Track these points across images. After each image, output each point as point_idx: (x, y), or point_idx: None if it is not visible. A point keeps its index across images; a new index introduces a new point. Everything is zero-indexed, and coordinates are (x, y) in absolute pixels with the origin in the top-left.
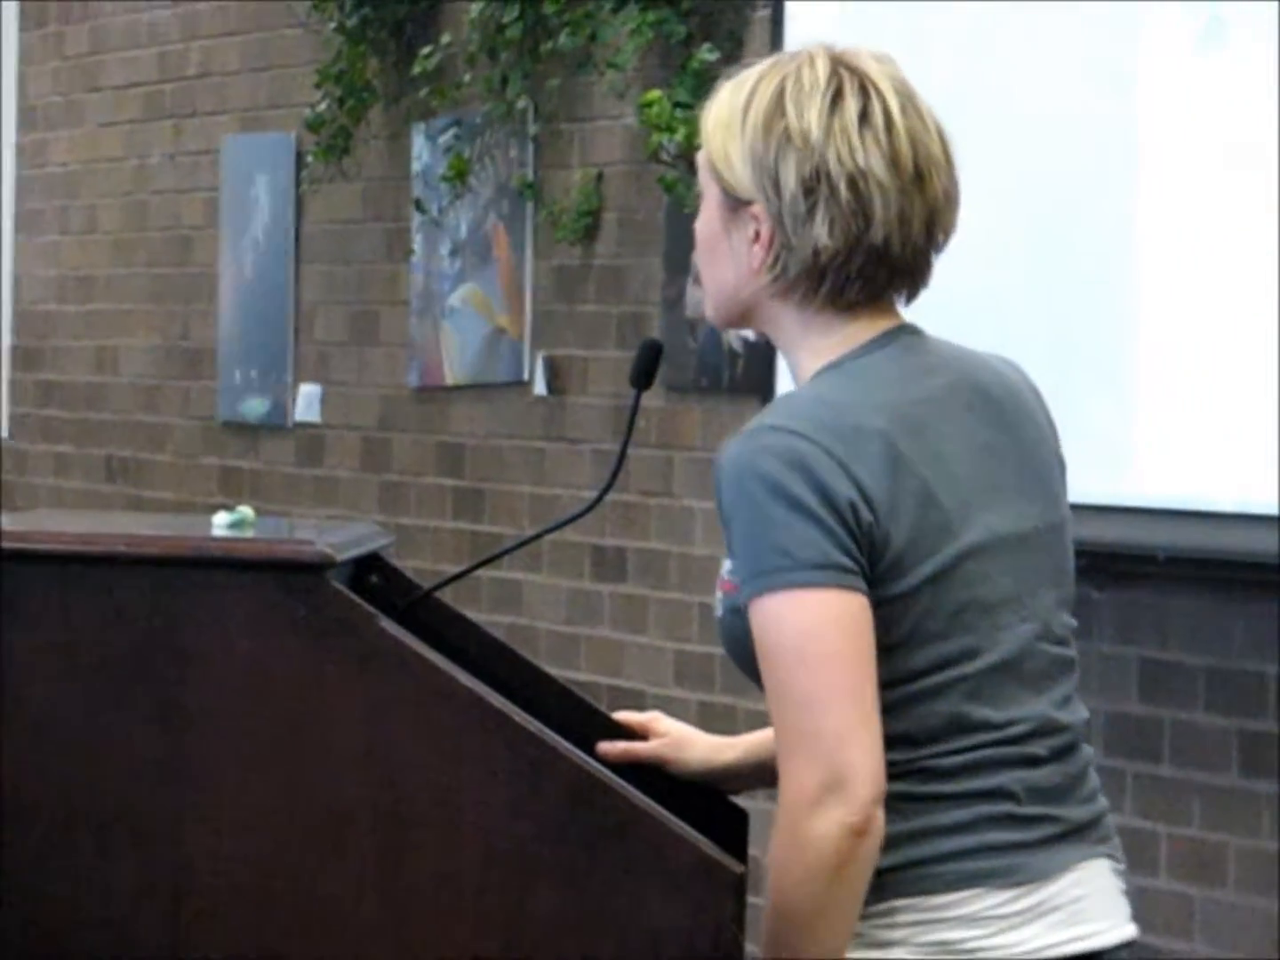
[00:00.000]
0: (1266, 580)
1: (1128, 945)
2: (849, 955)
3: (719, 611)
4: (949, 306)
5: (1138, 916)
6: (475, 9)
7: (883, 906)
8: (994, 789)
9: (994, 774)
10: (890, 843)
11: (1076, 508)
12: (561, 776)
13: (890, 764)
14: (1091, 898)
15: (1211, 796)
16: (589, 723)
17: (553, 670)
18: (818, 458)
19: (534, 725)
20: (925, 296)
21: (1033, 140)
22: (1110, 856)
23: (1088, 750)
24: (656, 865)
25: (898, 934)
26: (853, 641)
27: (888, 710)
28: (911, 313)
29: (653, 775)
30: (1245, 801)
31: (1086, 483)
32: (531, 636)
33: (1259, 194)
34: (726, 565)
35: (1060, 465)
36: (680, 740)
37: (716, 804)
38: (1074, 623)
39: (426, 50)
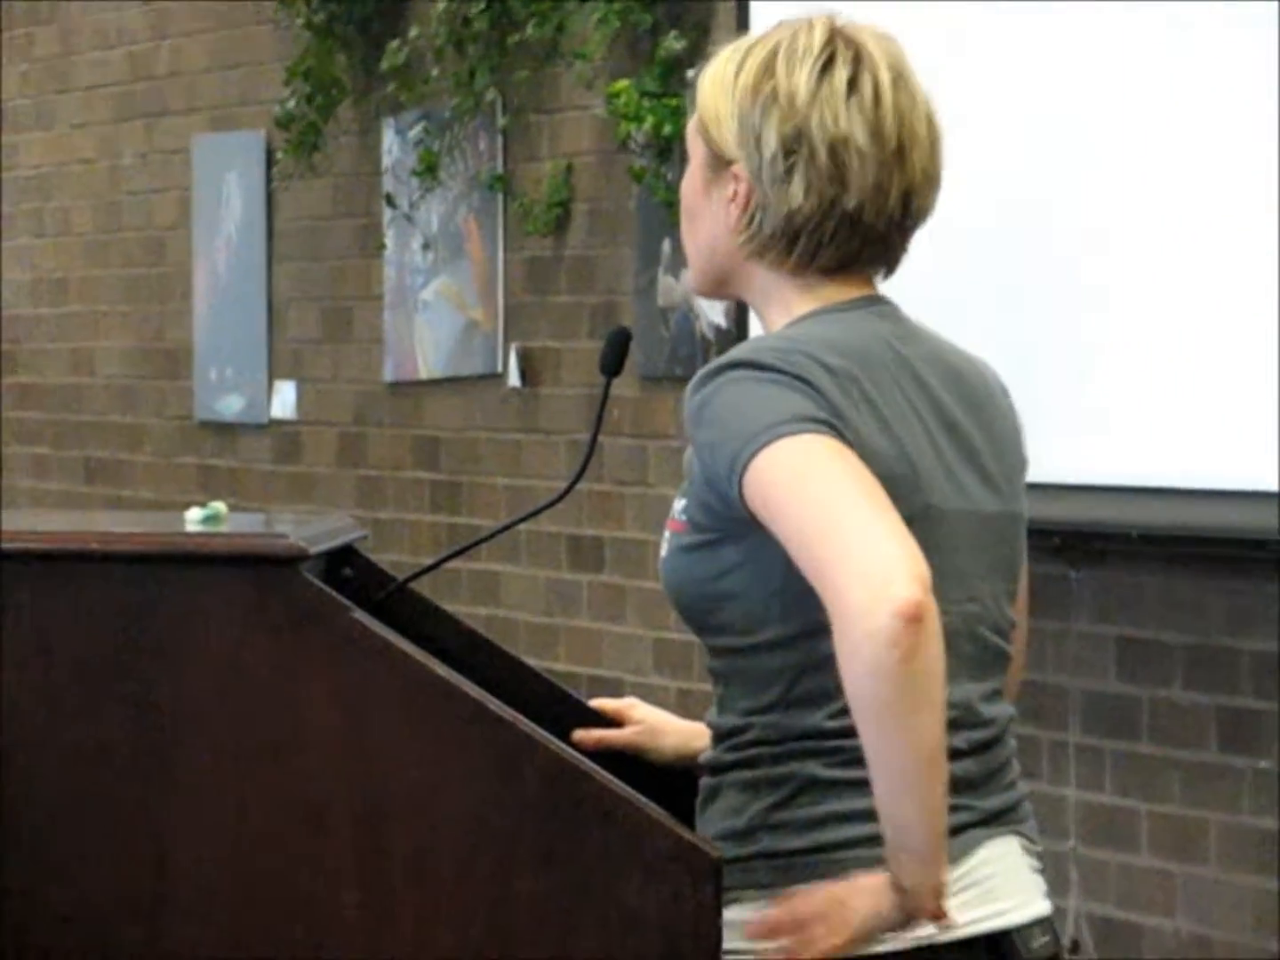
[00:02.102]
0: (1242, 556)
1: (1041, 921)
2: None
3: (664, 552)
4: (923, 290)
5: (1118, 897)
6: (441, 3)
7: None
8: None
9: None
10: (801, 826)
11: (1051, 487)
12: (539, 765)
13: (806, 736)
14: (1001, 876)
15: (1191, 773)
16: (567, 711)
17: (532, 661)
18: (788, 368)
19: (510, 714)
20: (897, 280)
21: (999, 125)
22: (1021, 834)
23: (1011, 744)
24: (635, 851)
25: None
26: (851, 462)
27: (818, 665)
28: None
29: (630, 759)
30: (1225, 777)
31: (1059, 462)
32: (511, 627)
33: (1221, 178)
34: (678, 506)
35: (1022, 461)
36: (655, 727)
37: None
38: (1015, 618)
39: (394, 44)
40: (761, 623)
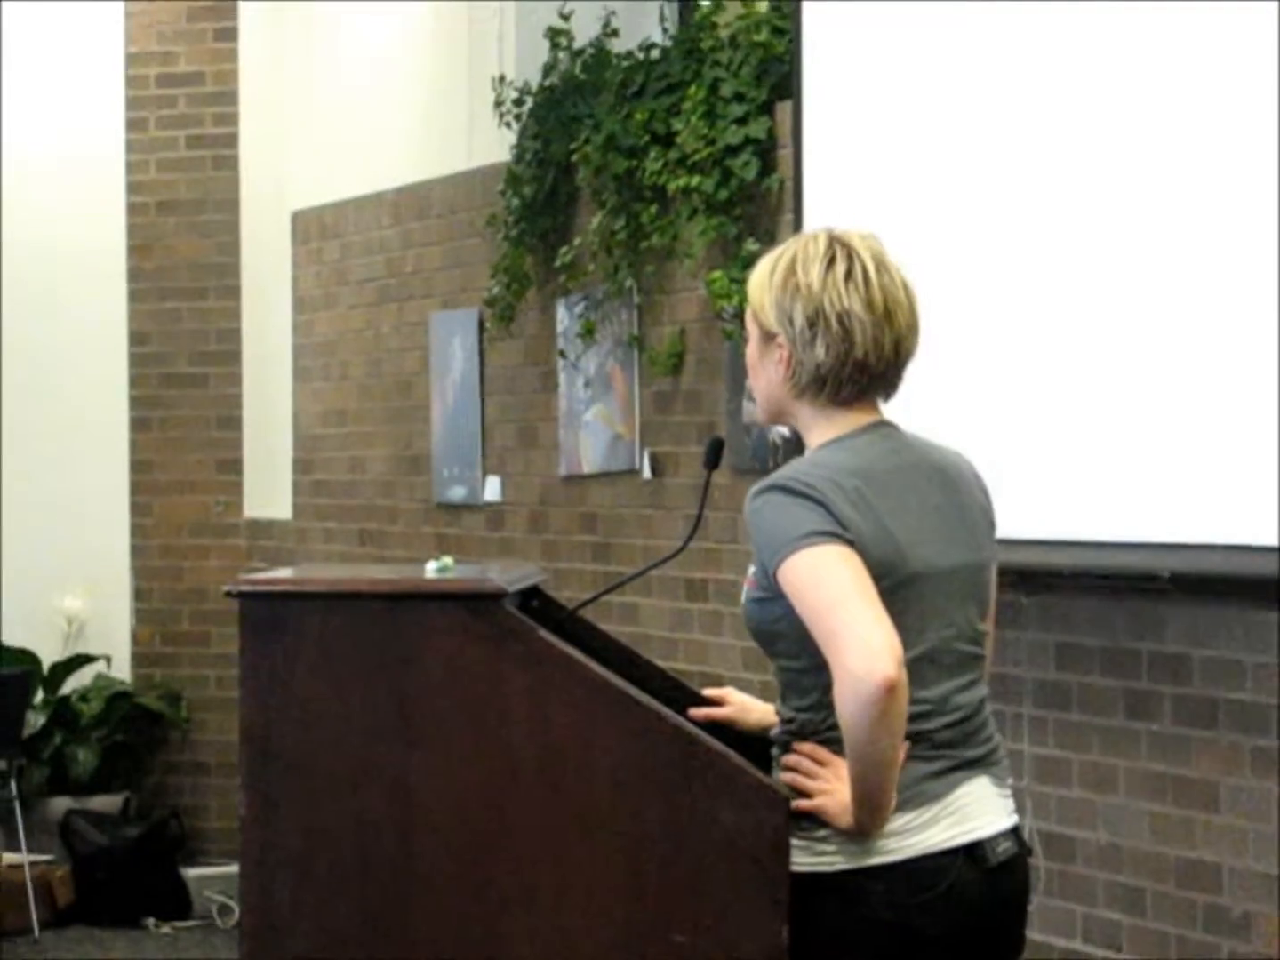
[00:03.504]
0: (1138, 586)
1: (1006, 833)
2: (796, 860)
3: (743, 599)
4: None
5: (1058, 818)
6: (596, 220)
7: (821, 833)
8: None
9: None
10: None
11: (1011, 541)
12: (665, 732)
13: (828, 728)
14: (975, 804)
15: (1106, 734)
16: (684, 696)
17: (660, 662)
18: (810, 492)
19: (645, 698)
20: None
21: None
22: (991, 774)
23: (984, 713)
24: (729, 789)
25: (833, 845)
26: (851, 564)
27: None
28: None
29: (727, 730)
30: (1129, 736)
31: (1015, 522)
32: (646, 640)
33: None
34: (750, 570)
35: (990, 524)
36: (745, 707)
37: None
38: (986, 628)
39: (564, 249)
40: (800, 654)
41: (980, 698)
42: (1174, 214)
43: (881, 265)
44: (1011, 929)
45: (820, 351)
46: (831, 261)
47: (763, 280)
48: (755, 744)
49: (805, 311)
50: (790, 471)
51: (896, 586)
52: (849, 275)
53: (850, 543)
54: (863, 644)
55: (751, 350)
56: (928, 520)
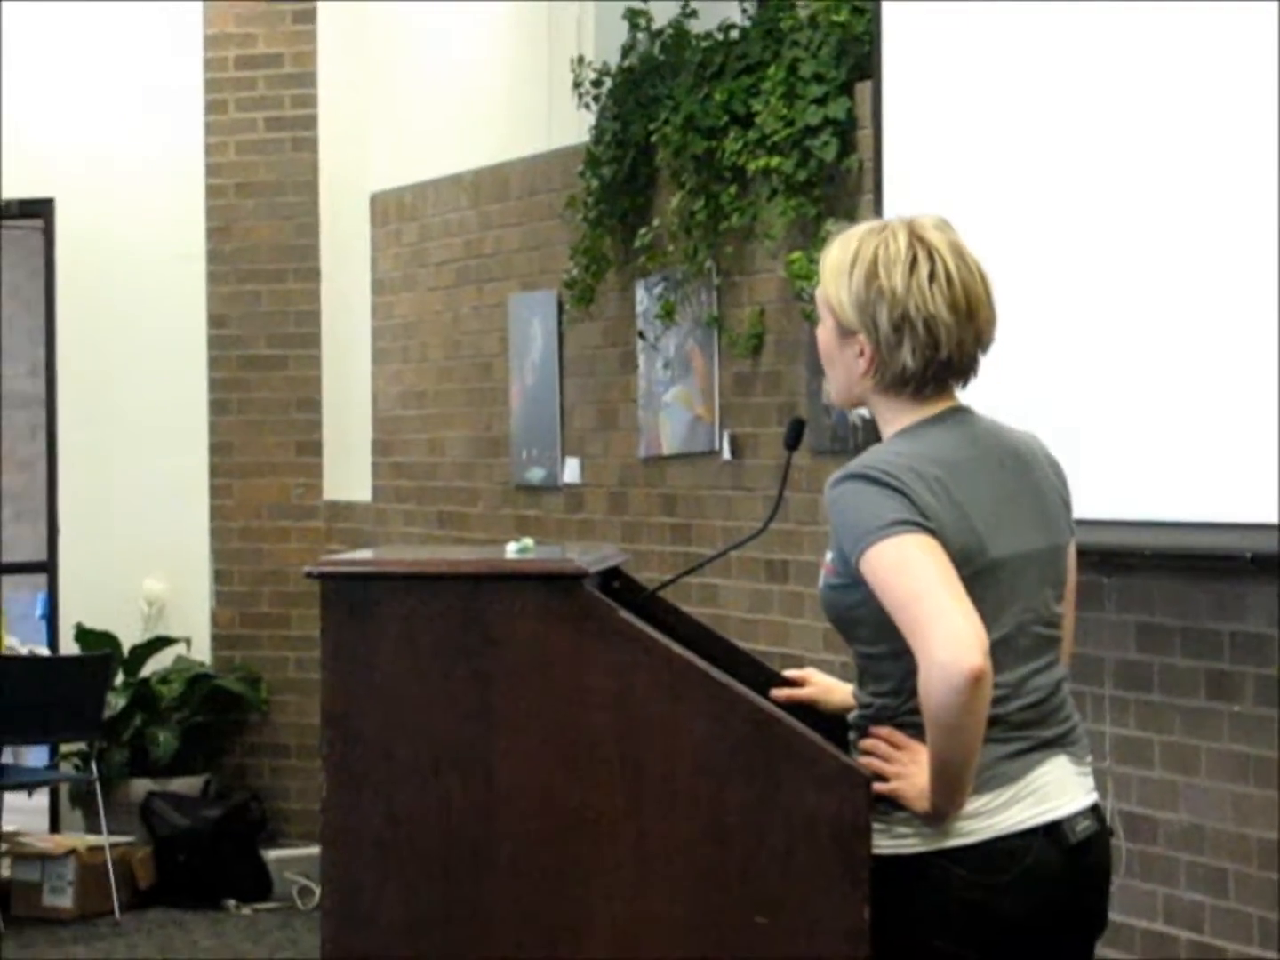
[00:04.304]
0: (1220, 567)
1: (1085, 811)
2: (874, 842)
3: (820, 585)
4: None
5: (1140, 799)
6: (675, 201)
7: (900, 815)
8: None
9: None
10: None
11: (1092, 521)
12: (747, 713)
13: (910, 712)
14: (1053, 784)
15: (1187, 714)
16: (765, 677)
17: (740, 644)
18: (892, 481)
19: (725, 677)
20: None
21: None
22: (1069, 753)
23: (1062, 693)
24: (812, 770)
25: (911, 828)
26: (933, 553)
27: (915, 672)
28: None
29: (808, 711)
30: (1211, 717)
31: (1099, 502)
32: (725, 621)
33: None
34: (828, 555)
35: (1065, 506)
36: (827, 688)
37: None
38: (1063, 611)
39: (643, 230)
40: (878, 640)
41: (1057, 679)
42: (1261, 194)
43: (960, 259)
44: (1093, 907)
45: (906, 356)
46: (914, 262)
47: (839, 275)
48: (836, 726)
49: (890, 316)
50: (870, 459)
51: (976, 574)
52: (933, 276)
53: (932, 531)
54: (950, 634)
55: (827, 338)
56: (1004, 506)
